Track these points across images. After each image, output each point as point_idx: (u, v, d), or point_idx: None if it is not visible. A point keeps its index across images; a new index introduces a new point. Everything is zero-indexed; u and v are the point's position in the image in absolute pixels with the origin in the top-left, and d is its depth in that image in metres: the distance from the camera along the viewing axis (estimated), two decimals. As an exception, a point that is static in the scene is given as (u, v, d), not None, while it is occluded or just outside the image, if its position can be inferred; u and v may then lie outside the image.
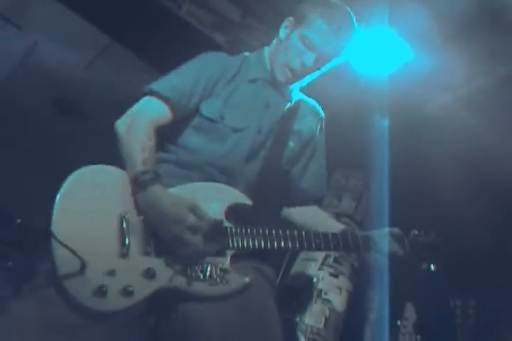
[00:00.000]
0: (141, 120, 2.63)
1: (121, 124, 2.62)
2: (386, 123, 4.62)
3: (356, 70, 5.04)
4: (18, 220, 5.73)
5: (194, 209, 2.45)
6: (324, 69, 2.96)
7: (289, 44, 2.87)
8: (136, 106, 2.70)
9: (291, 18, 2.93)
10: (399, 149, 4.07)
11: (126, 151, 2.55)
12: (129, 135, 2.57)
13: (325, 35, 2.82)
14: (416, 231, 2.80)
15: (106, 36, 5.80)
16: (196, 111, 2.77)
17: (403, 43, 4.88)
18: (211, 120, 2.76)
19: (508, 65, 4.78)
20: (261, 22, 5.30)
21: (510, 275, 5.07)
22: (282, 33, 2.94)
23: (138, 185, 2.46)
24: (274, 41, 3.00)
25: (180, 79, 2.77)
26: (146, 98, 2.71)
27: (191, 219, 2.42)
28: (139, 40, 5.46)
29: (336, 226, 2.87)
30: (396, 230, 2.80)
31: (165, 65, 2.85)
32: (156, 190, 2.46)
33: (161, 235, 2.43)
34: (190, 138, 2.76)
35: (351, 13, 2.91)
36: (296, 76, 2.91)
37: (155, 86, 2.73)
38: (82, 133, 5.88)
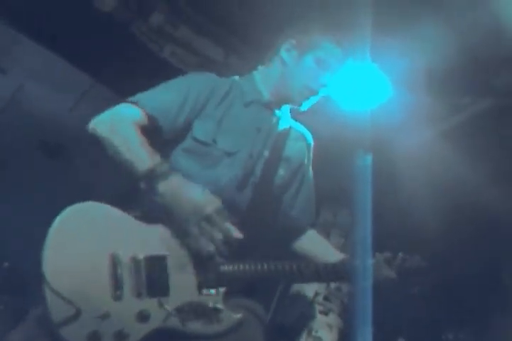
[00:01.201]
0: (123, 120, 2.58)
1: (99, 123, 2.57)
2: (369, 159, 4.64)
3: (339, 105, 5.06)
4: (6, 264, 5.68)
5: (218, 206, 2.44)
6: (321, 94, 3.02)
7: (304, 67, 2.94)
8: (112, 109, 2.65)
9: (294, 41, 2.99)
10: (380, 184, 4.09)
11: (123, 151, 2.50)
12: (115, 134, 2.53)
13: (337, 56, 2.96)
14: (401, 255, 2.80)
15: (89, 78, 5.82)
16: (184, 131, 2.74)
17: (385, 79, 4.92)
18: (204, 143, 2.74)
19: (488, 100, 4.83)
20: (243, 60, 5.34)
21: (499, 303, 5.07)
22: (287, 56, 2.98)
23: (156, 176, 2.43)
24: (275, 65, 3.02)
25: (166, 96, 2.74)
26: (124, 104, 2.67)
27: (213, 210, 2.42)
28: (122, 81, 5.48)
29: (333, 253, 2.93)
30: (386, 254, 2.81)
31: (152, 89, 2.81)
32: (179, 178, 2.45)
33: (178, 223, 2.42)
34: (182, 161, 2.71)
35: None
36: (311, 96, 2.98)
37: (139, 97, 2.69)
38: (67, 176, 5.86)
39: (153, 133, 2.65)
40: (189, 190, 2.44)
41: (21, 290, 5.11)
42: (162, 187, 2.44)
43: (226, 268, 2.53)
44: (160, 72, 5.29)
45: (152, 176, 2.45)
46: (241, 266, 2.54)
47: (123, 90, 5.65)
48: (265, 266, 2.57)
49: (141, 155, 2.48)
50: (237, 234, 2.47)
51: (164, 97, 2.73)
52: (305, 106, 3.03)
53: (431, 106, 5.06)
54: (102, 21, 5.20)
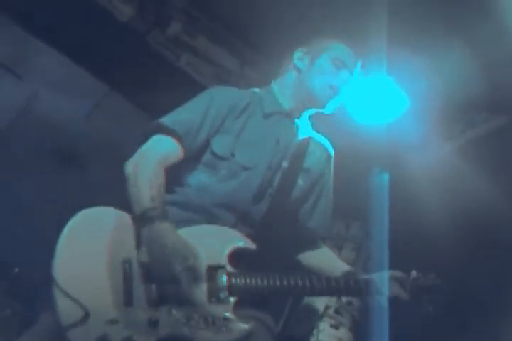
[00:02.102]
0: (149, 158, 2.61)
1: (129, 164, 2.61)
2: (386, 175, 4.62)
3: (354, 120, 5.05)
4: (16, 269, 5.69)
5: (195, 257, 2.42)
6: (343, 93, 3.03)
7: (320, 67, 2.98)
8: (145, 145, 2.68)
9: (305, 49, 3.04)
10: (396, 199, 4.07)
11: (133, 189, 2.52)
12: (136, 174, 2.55)
13: (350, 55, 3.01)
14: (415, 274, 2.79)
15: (105, 85, 5.84)
16: (204, 148, 2.76)
17: (401, 93, 4.91)
18: (221, 157, 2.75)
19: (504, 117, 4.80)
20: (259, 72, 5.34)
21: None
22: (300, 63, 3.03)
23: (145, 220, 2.42)
24: (289, 74, 3.05)
25: (188, 114, 2.78)
26: (155, 136, 2.70)
27: (193, 261, 2.39)
28: (137, 90, 5.49)
29: (340, 268, 2.90)
30: (398, 273, 2.80)
31: (163, 114, 2.83)
32: (164, 226, 2.42)
33: (157, 270, 2.39)
34: (200, 175, 2.74)
35: None
36: (334, 94, 2.97)
37: (163, 120, 2.74)
38: (80, 183, 5.87)
39: (180, 155, 2.71)
40: (167, 242, 2.40)
41: (30, 296, 5.11)
42: (145, 231, 2.42)
43: (237, 279, 2.52)
44: (176, 81, 5.31)
45: (142, 219, 2.44)
46: (252, 278, 2.54)
47: (138, 99, 5.72)
48: (277, 279, 2.56)
49: (142, 196, 2.49)
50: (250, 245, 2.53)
51: (185, 117, 2.77)
52: (329, 108, 3.03)
53: (447, 121, 5.04)
54: (119, 30, 5.21)
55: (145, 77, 5.34)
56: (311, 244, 3.03)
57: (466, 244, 4.98)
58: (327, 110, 3.03)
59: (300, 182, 2.91)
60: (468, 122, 5.03)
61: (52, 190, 5.89)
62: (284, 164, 2.88)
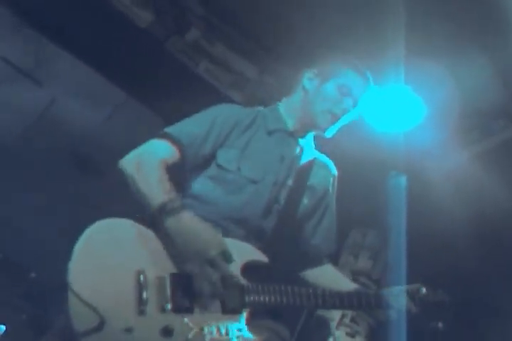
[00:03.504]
0: (150, 158, 2.63)
1: (127, 162, 2.63)
2: (404, 180, 4.61)
3: (372, 128, 5.05)
4: (33, 274, 5.71)
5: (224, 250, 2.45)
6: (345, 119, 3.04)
7: (325, 94, 2.97)
8: (142, 147, 2.70)
9: (315, 71, 3.05)
10: (414, 207, 4.05)
11: (142, 186, 2.53)
12: (139, 171, 2.57)
13: (358, 83, 3.01)
14: (424, 289, 2.77)
15: (123, 92, 5.86)
16: (209, 160, 2.79)
17: (419, 101, 4.89)
18: (227, 170, 2.77)
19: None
20: (277, 79, 5.34)
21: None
22: (309, 84, 3.04)
23: (167, 212, 2.44)
24: (297, 94, 3.07)
25: (193, 126, 2.80)
26: (155, 140, 2.73)
27: (226, 246, 2.44)
28: (155, 96, 5.51)
29: (348, 286, 2.88)
30: (408, 287, 2.78)
31: (181, 120, 2.85)
32: (190, 214, 2.46)
33: (191, 258, 2.43)
34: (206, 188, 2.75)
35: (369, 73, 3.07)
36: (335, 121, 2.98)
37: (168, 129, 2.76)
38: (97, 188, 5.89)
39: (180, 164, 2.73)
40: (198, 230, 2.46)
41: (46, 301, 5.13)
42: (170, 223, 2.45)
43: (251, 290, 2.52)
44: (194, 88, 5.32)
45: (162, 211, 2.46)
46: (265, 290, 2.54)
47: (156, 105, 5.74)
48: (289, 292, 2.57)
49: (156, 191, 2.52)
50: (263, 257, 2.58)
51: (190, 128, 2.80)
52: (330, 133, 3.05)
53: (465, 129, 5.02)
54: (138, 36, 5.23)
55: (163, 83, 5.36)
56: (316, 261, 3.03)
57: (482, 249, 4.96)
58: (327, 134, 3.05)
59: (305, 200, 2.93)
60: (485, 130, 5.02)
61: (69, 194, 5.91)
62: (289, 182, 2.90)
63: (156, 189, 2.51)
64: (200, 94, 5.24)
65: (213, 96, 5.27)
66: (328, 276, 2.99)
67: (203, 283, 2.43)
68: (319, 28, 4.67)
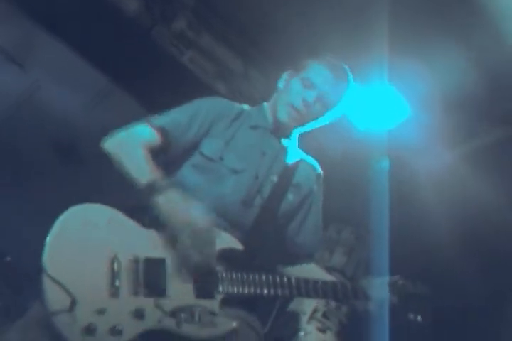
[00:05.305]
0: (133, 139, 2.70)
1: (110, 143, 2.69)
2: (387, 163, 4.62)
3: (355, 126, 5.06)
4: (8, 258, 5.71)
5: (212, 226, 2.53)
6: (325, 119, 3.02)
7: (289, 88, 2.97)
8: (125, 129, 2.74)
9: (289, 71, 3.05)
10: (397, 206, 4.08)
11: (128, 164, 2.60)
12: (122, 149, 2.66)
13: (324, 76, 2.95)
14: (402, 281, 2.79)
15: (107, 79, 5.84)
16: (193, 149, 2.81)
17: (403, 100, 4.91)
18: (210, 159, 2.80)
19: (506, 127, 4.82)
20: (262, 74, 5.35)
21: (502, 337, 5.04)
22: (281, 84, 3.05)
23: (156, 189, 2.52)
24: (274, 95, 3.08)
25: (177, 113, 2.85)
26: (137, 125, 2.77)
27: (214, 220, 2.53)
28: (139, 85, 5.50)
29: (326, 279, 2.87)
30: (387, 279, 2.80)
31: (164, 109, 2.87)
32: (178, 193, 2.54)
33: (172, 234, 2.49)
34: (190, 176, 2.78)
35: (348, 70, 3.03)
36: (300, 116, 2.94)
37: (153, 117, 2.80)
38: (77, 176, 5.88)
39: (162, 149, 2.77)
40: (187, 205, 2.53)
41: (21, 286, 5.13)
42: (160, 200, 2.52)
43: (225, 278, 2.55)
44: (178, 77, 5.31)
45: (151, 189, 2.53)
46: (240, 276, 2.57)
47: (139, 93, 5.72)
48: (263, 280, 2.60)
49: (142, 170, 2.59)
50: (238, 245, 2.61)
51: (173, 115, 2.84)
52: (299, 131, 3.05)
53: (449, 129, 5.04)
54: (124, 24, 5.22)
55: (148, 71, 5.35)
56: (298, 259, 3.04)
57: (464, 249, 5.00)
58: (305, 129, 3.05)
59: (290, 196, 2.94)
60: (470, 131, 5.04)
61: (48, 181, 5.90)
62: (274, 178, 2.92)
63: (142, 167, 2.58)
64: (184, 84, 5.24)
65: (198, 87, 5.28)
66: (308, 271, 3.00)
67: (191, 253, 2.47)
68: (304, 25, 4.69)
